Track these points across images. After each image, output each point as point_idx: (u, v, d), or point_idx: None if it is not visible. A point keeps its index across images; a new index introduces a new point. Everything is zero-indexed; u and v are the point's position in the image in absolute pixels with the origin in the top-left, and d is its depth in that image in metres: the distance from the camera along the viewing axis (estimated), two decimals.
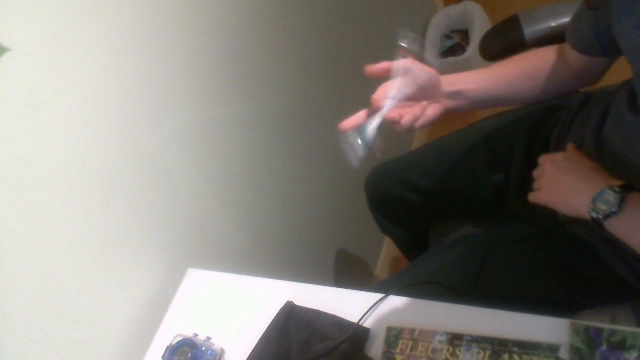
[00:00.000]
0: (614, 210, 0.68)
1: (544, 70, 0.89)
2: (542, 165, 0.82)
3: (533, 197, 0.82)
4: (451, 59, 1.96)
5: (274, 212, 1.20)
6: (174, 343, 0.81)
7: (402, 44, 0.79)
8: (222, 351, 0.81)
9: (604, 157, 0.78)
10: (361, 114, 0.80)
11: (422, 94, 0.83)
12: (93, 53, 0.75)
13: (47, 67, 0.69)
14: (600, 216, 0.69)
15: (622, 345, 0.62)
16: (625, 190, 0.69)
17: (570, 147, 0.82)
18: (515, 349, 0.66)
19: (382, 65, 0.80)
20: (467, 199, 1.07)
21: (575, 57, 0.85)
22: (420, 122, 0.84)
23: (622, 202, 0.68)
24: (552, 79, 0.89)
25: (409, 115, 0.81)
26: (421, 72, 0.81)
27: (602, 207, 0.69)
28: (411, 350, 0.71)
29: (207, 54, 0.97)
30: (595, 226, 0.71)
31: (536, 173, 0.83)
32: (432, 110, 0.85)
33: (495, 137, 1.03)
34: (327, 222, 1.45)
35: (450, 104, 0.88)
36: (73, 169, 0.74)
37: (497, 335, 0.68)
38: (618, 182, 0.70)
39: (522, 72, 0.91)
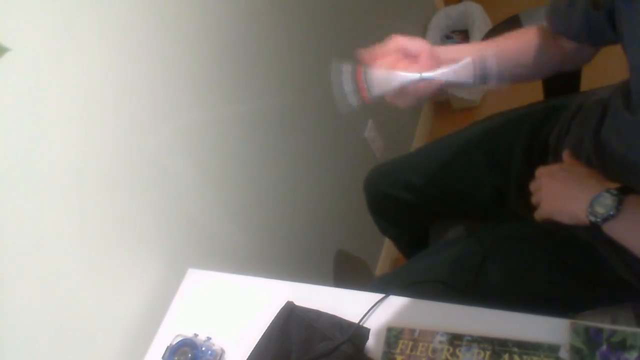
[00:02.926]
0: (611, 213, 0.68)
1: (537, 48, 0.86)
2: (539, 178, 0.82)
3: (538, 215, 0.82)
4: None
5: (274, 212, 1.20)
6: (174, 343, 0.81)
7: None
8: (222, 351, 0.81)
9: (604, 158, 0.78)
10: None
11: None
12: (92, 53, 0.75)
13: (47, 67, 0.69)
14: (599, 219, 0.69)
15: (622, 345, 0.62)
16: (623, 192, 0.69)
17: (565, 154, 0.82)
18: (515, 349, 0.66)
19: (375, 53, 0.77)
20: (467, 199, 1.07)
21: (565, 40, 0.83)
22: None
23: (619, 205, 0.68)
24: (545, 57, 0.87)
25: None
26: (415, 45, 0.78)
27: (599, 210, 0.69)
28: (411, 350, 0.71)
29: (207, 54, 0.97)
30: (594, 230, 0.71)
31: (533, 186, 0.83)
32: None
33: (494, 137, 1.03)
34: (327, 223, 1.45)
35: None
36: (73, 169, 0.74)
37: (497, 335, 0.68)
38: (615, 185, 0.70)
39: (517, 48, 0.87)
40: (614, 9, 0.69)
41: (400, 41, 0.77)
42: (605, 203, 0.69)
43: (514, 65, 0.87)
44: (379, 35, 0.83)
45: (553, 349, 0.65)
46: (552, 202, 0.79)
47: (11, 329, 0.70)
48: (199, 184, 0.98)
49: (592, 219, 0.70)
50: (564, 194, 0.77)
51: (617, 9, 0.68)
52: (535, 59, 0.86)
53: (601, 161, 0.78)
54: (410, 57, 0.76)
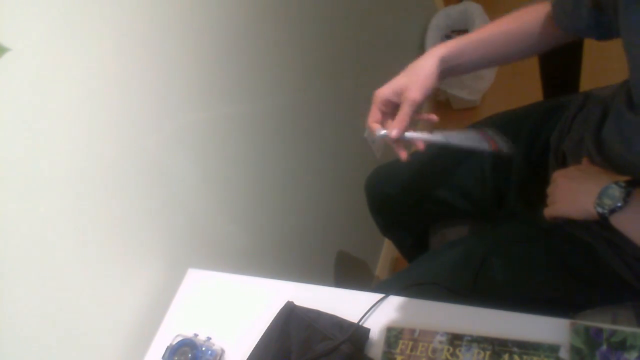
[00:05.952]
0: (619, 204, 0.69)
1: (535, 27, 0.87)
2: (555, 180, 0.82)
3: (549, 212, 0.82)
4: None
5: (274, 212, 1.20)
6: (174, 343, 0.81)
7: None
8: (222, 351, 0.81)
9: (603, 157, 0.78)
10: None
11: None
12: (93, 53, 0.75)
13: (47, 67, 0.69)
14: (606, 211, 0.70)
15: (622, 345, 0.62)
16: (631, 185, 0.69)
17: (584, 161, 0.83)
18: (515, 349, 0.66)
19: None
20: (467, 199, 1.07)
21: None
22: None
23: (627, 197, 0.68)
24: (542, 36, 0.87)
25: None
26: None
27: (607, 201, 0.70)
28: (411, 350, 0.71)
29: (208, 54, 0.97)
30: (602, 221, 0.71)
31: (550, 189, 0.83)
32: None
33: None
34: (328, 223, 1.45)
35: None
36: (73, 169, 0.74)
37: (497, 335, 0.68)
38: (624, 178, 0.70)
39: (515, 31, 0.90)
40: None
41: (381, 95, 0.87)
42: (613, 195, 0.69)
43: (520, 47, 0.89)
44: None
45: (553, 349, 0.65)
46: (566, 200, 0.79)
47: (11, 330, 0.70)
48: (200, 183, 0.98)
49: (600, 210, 0.70)
50: (576, 189, 0.77)
51: (620, 5, 0.68)
52: (534, 39, 0.87)
53: (602, 160, 0.78)
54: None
